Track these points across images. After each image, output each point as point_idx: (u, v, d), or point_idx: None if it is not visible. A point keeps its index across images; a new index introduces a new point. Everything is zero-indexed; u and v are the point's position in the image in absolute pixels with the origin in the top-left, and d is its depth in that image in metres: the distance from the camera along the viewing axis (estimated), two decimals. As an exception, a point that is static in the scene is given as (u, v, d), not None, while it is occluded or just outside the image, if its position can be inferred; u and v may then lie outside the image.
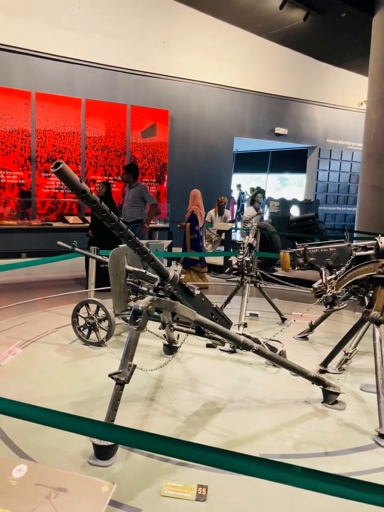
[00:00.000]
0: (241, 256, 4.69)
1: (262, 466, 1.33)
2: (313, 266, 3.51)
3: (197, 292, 2.72)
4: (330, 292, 3.00)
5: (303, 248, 3.55)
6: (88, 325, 4.23)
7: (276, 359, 3.00)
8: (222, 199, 9.52)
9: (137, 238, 2.26)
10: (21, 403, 1.64)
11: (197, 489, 2.15)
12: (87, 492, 1.82)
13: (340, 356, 3.71)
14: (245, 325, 4.36)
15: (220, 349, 4.19)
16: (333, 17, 10.46)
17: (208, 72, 11.40)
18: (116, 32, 10.03)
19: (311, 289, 3.26)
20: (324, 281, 3.07)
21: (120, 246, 4.32)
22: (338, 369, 3.77)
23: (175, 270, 2.56)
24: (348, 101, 13.86)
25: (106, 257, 4.75)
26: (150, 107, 10.57)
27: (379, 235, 3.37)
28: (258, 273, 4.90)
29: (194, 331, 3.19)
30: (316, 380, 3.08)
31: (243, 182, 19.01)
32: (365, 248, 3.48)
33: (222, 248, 9.36)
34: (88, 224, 7.39)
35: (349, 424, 2.95)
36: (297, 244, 3.64)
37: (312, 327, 4.62)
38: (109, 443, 2.36)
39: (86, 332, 4.28)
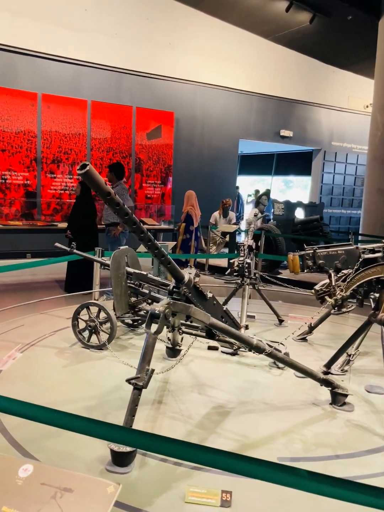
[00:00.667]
0: (242, 258, 4.68)
1: (286, 474, 1.32)
2: (322, 269, 3.49)
3: (209, 295, 2.69)
4: (340, 295, 2.98)
5: (312, 251, 3.53)
6: (89, 328, 4.12)
7: (287, 362, 2.99)
8: (227, 201, 9.52)
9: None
10: (41, 407, 1.60)
11: (221, 495, 2.10)
12: (93, 492, 1.80)
13: (341, 357, 3.68)
14: (246, 327, 4.33)
15: (222, 351, 4.16)
16: (339, 19, 10.45)
17: (213, 74, 11.41)
18: (122, 34, 10.05)
19: (313, 291, 3.24)
20: (333, 284, 3.05)
21: (121, 247, 4.29)
22: (341, 370, 3.75)
23: (189, 273, 2.52)
24: (353, 103, 13.84)
25: (106, 259, 4.74)
26: (156, 109, 10.58)
27: None
28: (256, 275, 4.88)
29: (203, 334, 3.16)
30: (325, 382, 3.07)
31: (247, 184, 18.96)
32: (373, 250, 3.47)
33: (226, 250, 9.34)
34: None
35: (358, 425, 2.93)
36: (306, 246, 3.61)
37: (311, 329, 4.58)
38: (128, 449, 2.28)
39: (86, 335, 4.16)
